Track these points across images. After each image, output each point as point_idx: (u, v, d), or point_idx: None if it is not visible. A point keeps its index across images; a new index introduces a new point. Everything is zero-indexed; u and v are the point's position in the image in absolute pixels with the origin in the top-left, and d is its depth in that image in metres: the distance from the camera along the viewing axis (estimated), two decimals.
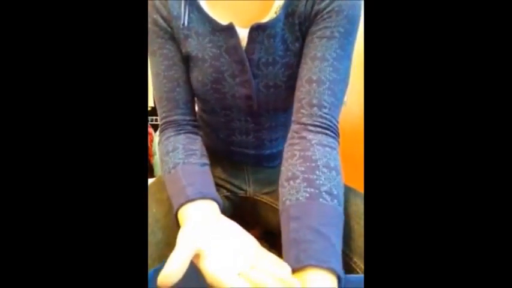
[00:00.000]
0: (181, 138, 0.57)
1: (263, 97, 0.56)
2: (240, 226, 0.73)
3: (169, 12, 0.53)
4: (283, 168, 0.47)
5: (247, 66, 0.53)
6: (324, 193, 0.41)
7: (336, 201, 0.41)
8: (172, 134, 0.57)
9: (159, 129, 0.61)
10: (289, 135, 0.49)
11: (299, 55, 0.52)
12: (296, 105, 0.49)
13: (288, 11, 0.50)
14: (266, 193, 0.70)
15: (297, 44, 0.52)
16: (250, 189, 0.71)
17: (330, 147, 0.46)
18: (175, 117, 0.58)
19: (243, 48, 0.53)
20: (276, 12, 0.51)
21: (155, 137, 2.19)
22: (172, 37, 0.55)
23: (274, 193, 0.68)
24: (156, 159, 2.20)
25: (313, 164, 0.43)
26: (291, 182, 0.43)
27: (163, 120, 0.59)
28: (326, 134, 0.47)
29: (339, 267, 0.36)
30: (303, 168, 0.44)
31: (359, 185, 0.61)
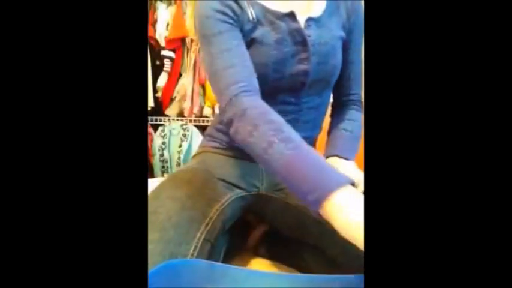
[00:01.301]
0: (271, 110, 0.54)
1: (315, 73, 0.67)
2: (243, 227, 0.73)
3: (240, 8, 0.62)
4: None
5: (309, 45, 0.65)
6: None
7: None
8: (259, 101, 0.55)
9: (228, 99, 0.55)
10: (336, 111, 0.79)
11: (338, 39, 0.70)
12: (340, 92, 0.78)
13: (333, 8, 0.70)
14: (279, 189, 0.70)
15: (338, 32, 0.70)
16: (263, 187, 0.71)
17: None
18: (255, 84, 0.57)
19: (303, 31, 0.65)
20: (324, 7, 0.69)
21: (155, 137, 2.19)
22: (236, 25, 0.62)
23: (287, 189, 0.68)
24: (156, 159, 2.20)
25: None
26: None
27: (240, 87, 0.55)
28: (357, 109, 0.77)
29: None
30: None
31: None
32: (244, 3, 0.63)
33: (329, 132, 0.77)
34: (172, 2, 2.15)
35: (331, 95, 0.79)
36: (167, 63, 2.13)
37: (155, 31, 2.13)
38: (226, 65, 0.57)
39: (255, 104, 0.54)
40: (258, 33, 0.63)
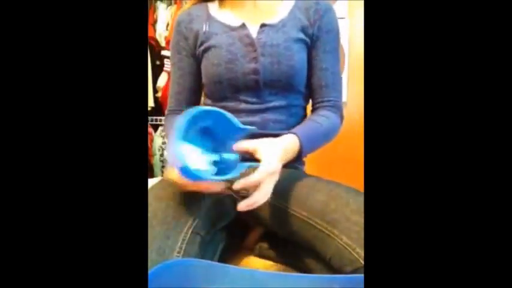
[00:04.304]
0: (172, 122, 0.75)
1: (268, 73, 0.72)
2: (241, 227, 0.73)
3: (191, 28, 0.76)
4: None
5: (256, 46, 0.72)
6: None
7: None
8: (175, 116, 0.75)
9: (165, 114, 0.84)
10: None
11: (298, 42, 0.74)
12: (315, 98, 0.79)
13: (293, 16, 0.75)
14: None
15: (296, 35, 0.73)
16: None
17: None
18: (177, 112, 0.78)
19: (253, 36, 0.73)
20: (283, 17, 0.74)
21: (155, 137, 2.19)
22: (188, 55, 0.77)
23: (277, 192, 0.68)
24: (156, 159, 2.20)
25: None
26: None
27: (170, 110, 0.82)
28: (333, 111, 0.77)
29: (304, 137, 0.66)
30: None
31: (359, 185, 0.61)
32: (200, 23, 0.76)
33: None
34: (172, 2, 2.15)
35: (306, 101, 0.82)
36: (167, 63, 2.13)
37: (155, 31, 2.13)
38: (169, 93, 0.83)
39: (170, 118, 0.81)
40: (212, 41, 0.74)
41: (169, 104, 0.83)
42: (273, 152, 0.58)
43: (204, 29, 0.75)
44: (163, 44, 2.12)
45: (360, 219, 0.55)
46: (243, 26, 0.74)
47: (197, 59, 0.77)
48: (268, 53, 0.72)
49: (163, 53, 2.12)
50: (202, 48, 0.75)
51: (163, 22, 2.13)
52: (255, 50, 0.72)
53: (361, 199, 0.59)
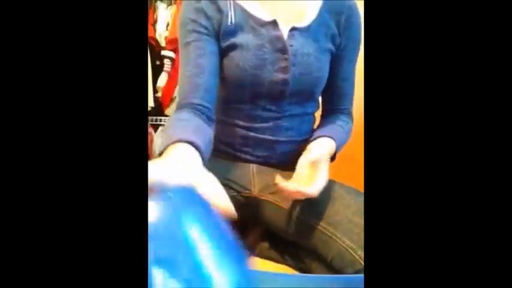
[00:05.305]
0: (195, 118, 0.60)
1: (296, 83, 0.67)
2: (241, 226, 0.74)
3: (217, 9, 0.64)
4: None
5: (289, 54, 0.65)
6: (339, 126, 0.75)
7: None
8: (186, 112, 0.60)
9: (175, 108, 0.64)
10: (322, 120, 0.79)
11: (325, 51, 0.69)
12: (328, 106, 0.78)
13: (322, 20, 0.68)
14: (271, 192, 0.70)
15: (325, 44, 0.69)
16: (255, 189, 0.71)
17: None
18: (193, 100, 0.62)
19: (284, 39, 0.65)
20: (312, 18, 0.68)
21: (155, 137, 2.19)
22: (210, 34, 0.65)
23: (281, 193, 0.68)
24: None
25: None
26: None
27: (182, 102, 0.63)
28: (347, 117, 0.78)
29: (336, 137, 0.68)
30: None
31: (359, 185, 0.61)
32: (226, 7, 0.65)
33: (319, 127, 0.78)
34: (172, 2, 2.15)
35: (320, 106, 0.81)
36: (167, 63, 2.13)
37: (155, 31, 2.13)
38: (182, 80, 0.64)
39: (177, 114, 0.61)
40: (239, 38, 0.65)
41: (182, 94, 0.63)
42: (326, 163, 0.61)
43: (229, 19, 0.64)
44: (163, 44, 2.12)
45: (361, 220, 0.55)
46: (274, 23, 0.66)
47: (220, 46, 0.66)
48: (299, 62, 0.66)
49: (163, 53, 2.12)
50: (226, 43, 0.66)
51: (163, 22, 2.13)
52: (286, 59, 0.66)
53: (362, 200, 0.59)
